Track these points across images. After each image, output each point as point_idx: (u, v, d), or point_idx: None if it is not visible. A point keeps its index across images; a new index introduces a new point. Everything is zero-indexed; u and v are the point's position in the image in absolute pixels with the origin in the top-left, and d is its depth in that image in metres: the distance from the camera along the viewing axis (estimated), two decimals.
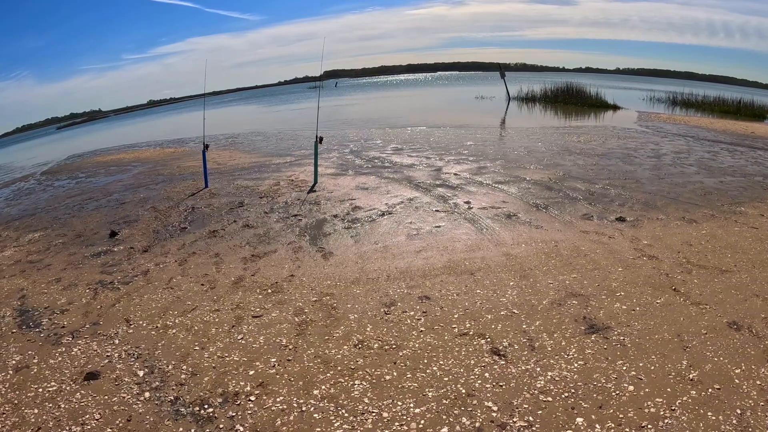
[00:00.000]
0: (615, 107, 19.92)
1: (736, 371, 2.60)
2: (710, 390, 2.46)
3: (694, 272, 3.92)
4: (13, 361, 3.12)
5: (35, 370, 3.00)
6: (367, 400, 2.51)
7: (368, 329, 3.19)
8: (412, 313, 3.38)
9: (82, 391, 2.75)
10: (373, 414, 2.41)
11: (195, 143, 15.33)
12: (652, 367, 2.69)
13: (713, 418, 2.27)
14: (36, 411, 2.60)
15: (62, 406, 2.64)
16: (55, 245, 5.70)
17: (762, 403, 2.35)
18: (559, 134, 12.23)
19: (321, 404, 2.50)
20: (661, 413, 2.32)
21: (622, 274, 3.90)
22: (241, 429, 2.36)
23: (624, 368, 2.69)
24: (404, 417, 2.38)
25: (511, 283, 3.77)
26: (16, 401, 2.70)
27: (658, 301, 3.45)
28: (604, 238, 4.76)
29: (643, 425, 2.24)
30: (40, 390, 2.79)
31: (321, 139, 7.55)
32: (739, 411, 2.30)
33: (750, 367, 2.63)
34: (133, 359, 3.03)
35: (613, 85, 34.30)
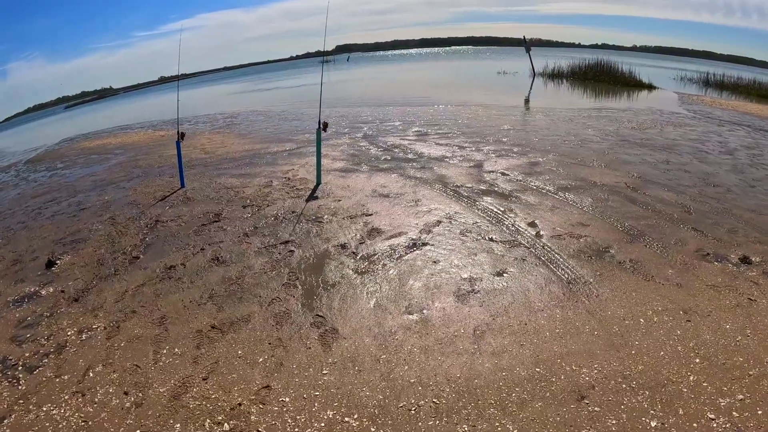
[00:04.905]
0: (650, 87, 17.91)
1: None
2: None
3: None
4: None
5: None
6: None
7: None
8: None
9: None
10: None
11: (190, 123, 13.83)
12: None
13: None
14: None
15: None
16: None
17: None
18: (605, 118, 10.33)
19: None
20: None
21: None
22: None
23: None
24: None
25: (653, 424, 2.04)
26: None
27: None
28: (743, 300, 3.07)
29: None
30: None
31: (326, 125, 5.76)
32: None
33: None
34: None
35: (633, 63, 31.66)
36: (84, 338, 3.12)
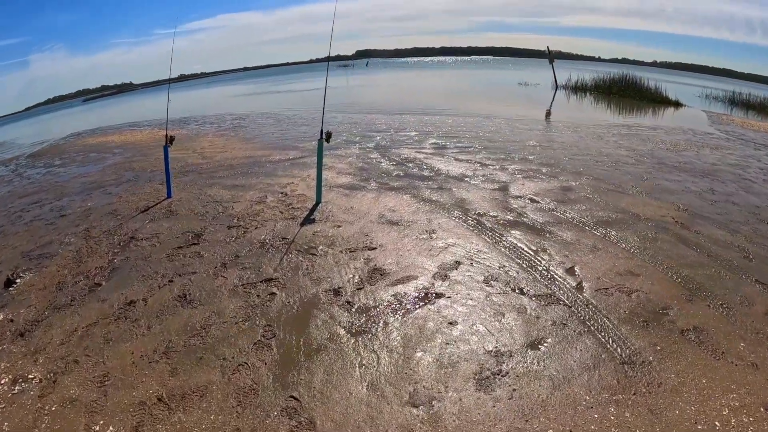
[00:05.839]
0: (677, 104, 17.01)
1: None
2: None
3: None
4: None
5: None
6: None
7: None
8: None
9: None
10: None
11: (197, 123, 13.43)
12: None
13: None
14: None
15: None
16: None
17: None
18: (636, 137, 9.51)
19: None
20: None
21: None
22: None
23: None
24: None
25: None
26: None
27: None
28: None
29: None
30: None
31: (329, 135, 5.04)
32: None
33: None
34: None
35: (656, 78, 30.95)
36: (17, 391, 2.56)
